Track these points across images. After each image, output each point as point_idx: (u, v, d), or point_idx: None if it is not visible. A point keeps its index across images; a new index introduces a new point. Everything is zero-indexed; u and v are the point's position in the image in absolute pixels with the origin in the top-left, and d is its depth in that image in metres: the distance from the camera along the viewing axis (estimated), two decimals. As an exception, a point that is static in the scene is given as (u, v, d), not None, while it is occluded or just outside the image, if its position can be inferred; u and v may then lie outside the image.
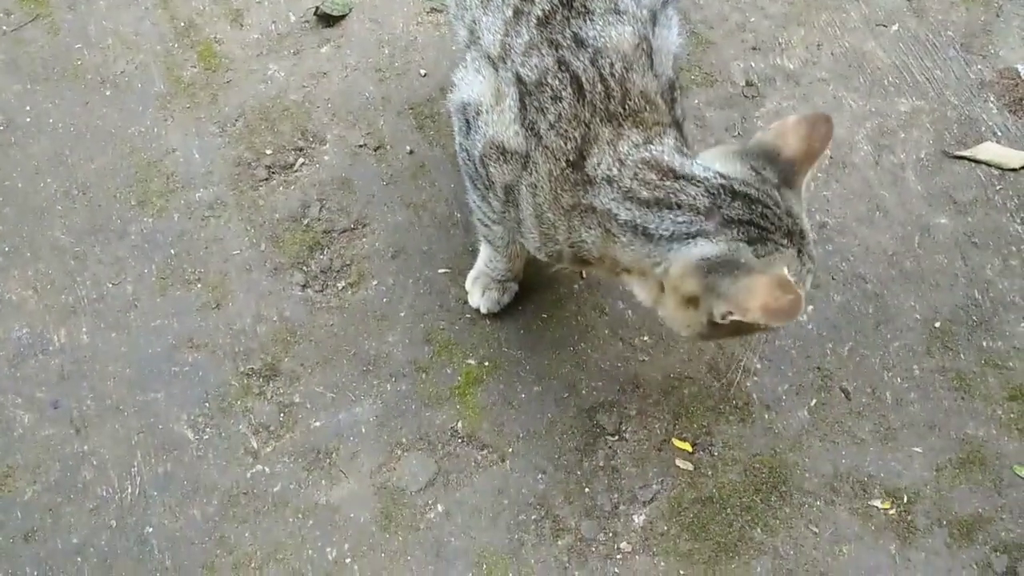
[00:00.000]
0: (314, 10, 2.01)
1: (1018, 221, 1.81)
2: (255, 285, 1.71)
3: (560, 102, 1.24)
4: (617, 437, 1.60)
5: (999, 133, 1.92)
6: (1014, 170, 1.87)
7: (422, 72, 1.96)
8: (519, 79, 1.27)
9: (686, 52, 1.62)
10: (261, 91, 1.92)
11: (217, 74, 1.94)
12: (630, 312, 1.70)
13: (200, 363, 1.63)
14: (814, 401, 1.64)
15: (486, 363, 1.65)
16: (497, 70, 1.31)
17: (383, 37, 2.01)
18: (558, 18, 1.27)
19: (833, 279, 1.75)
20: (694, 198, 1.18)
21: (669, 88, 1.32)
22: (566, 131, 1.24)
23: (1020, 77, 2.00)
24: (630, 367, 1.66)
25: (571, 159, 1.24)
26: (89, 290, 1.69)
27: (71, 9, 2.00)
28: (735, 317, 1.13)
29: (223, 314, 1.68)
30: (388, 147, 1.87)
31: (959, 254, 1.78)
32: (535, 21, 1.28)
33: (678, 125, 1.31)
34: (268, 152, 1.85)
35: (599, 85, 1.24)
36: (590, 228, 1.25)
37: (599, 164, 1.23)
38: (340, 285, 1.72)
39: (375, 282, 1.72)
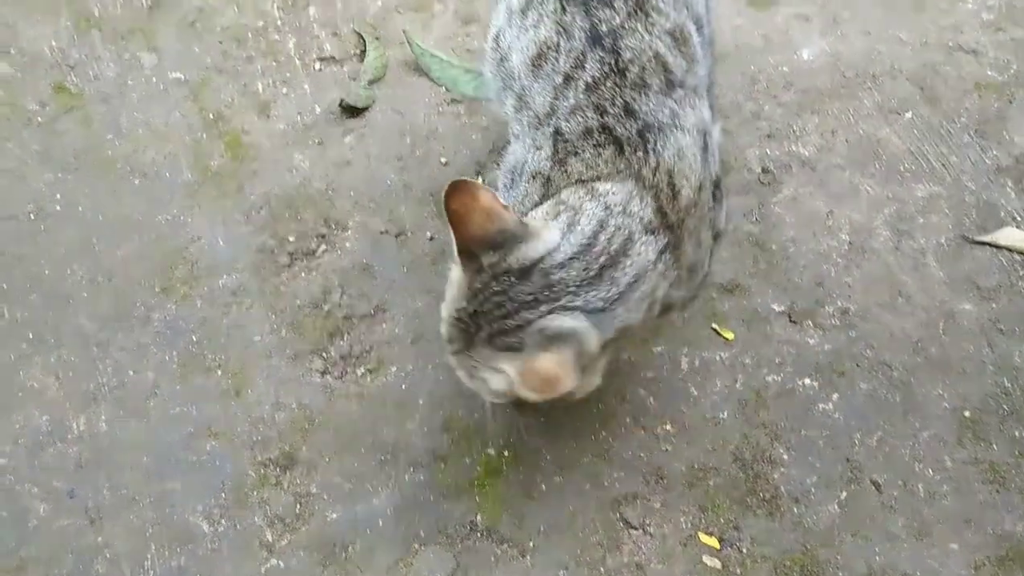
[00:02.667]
0: (339, 102, 2.06)
1: (1044, 307, 1.79)
2: (275, 372, 1.71)
3: (601, 151, 1.30)
4: (641, 531, 1.56)
5: (1019, 218, 1.92)
6: (1037, 256, 1.86)
7: (443, 160, 2.00)
8: (557, 131, 1.34)
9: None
10: (286, 180, 1.96)
11: (244, 164, 1.98)
12: (652, 400, 1.69)
13: (218, 452, 1.62)
14: (844, 494, 1.60)
15: (506, 453, 1.63)
16: (540, 127, 1.38)
17: (405, 127, 2.05)
18: (608, 85, 1.31)
19: (858, 366, 1.73)
20: (615, 280, 1.25)
21: (711, 186, 1.37)
22: (597, 166, 1.30)
23: (1037, 163, 2.01)
24: (654, 457, 1.63)
25: (584, 179, 1.30)
26: (110, 377, 1.70)
27: (104, 102, 2.06)
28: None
29: (242, 401, 1.67)
30: (409, 233, 1.89)
31: (985, 341, 1.76)
32: (583, 87, 1.32)
33: (672, 228, 1.33)
34: (291, 239, 1.88)
35: (640, 150, 1.29)
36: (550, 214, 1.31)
37: (612, 191, 1.28)
38: (360, 371, 1.71)
39: (394, 368, 1.72)
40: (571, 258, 1.23)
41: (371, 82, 2.11)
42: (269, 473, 1.60)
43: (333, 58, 2.16)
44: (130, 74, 2.11)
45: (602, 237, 1.25)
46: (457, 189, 1.18)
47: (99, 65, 2.12)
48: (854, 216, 1.92)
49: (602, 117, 1.31)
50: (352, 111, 2.07)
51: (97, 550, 1.52)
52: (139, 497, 1.57)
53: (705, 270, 1.42)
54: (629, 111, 1.31)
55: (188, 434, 1.64)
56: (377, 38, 2.19)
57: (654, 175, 1.30)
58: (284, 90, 2.10)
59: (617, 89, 1.31)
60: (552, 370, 1.16)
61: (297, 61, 2.15)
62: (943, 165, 2.01)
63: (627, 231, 1.26)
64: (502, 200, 1.51)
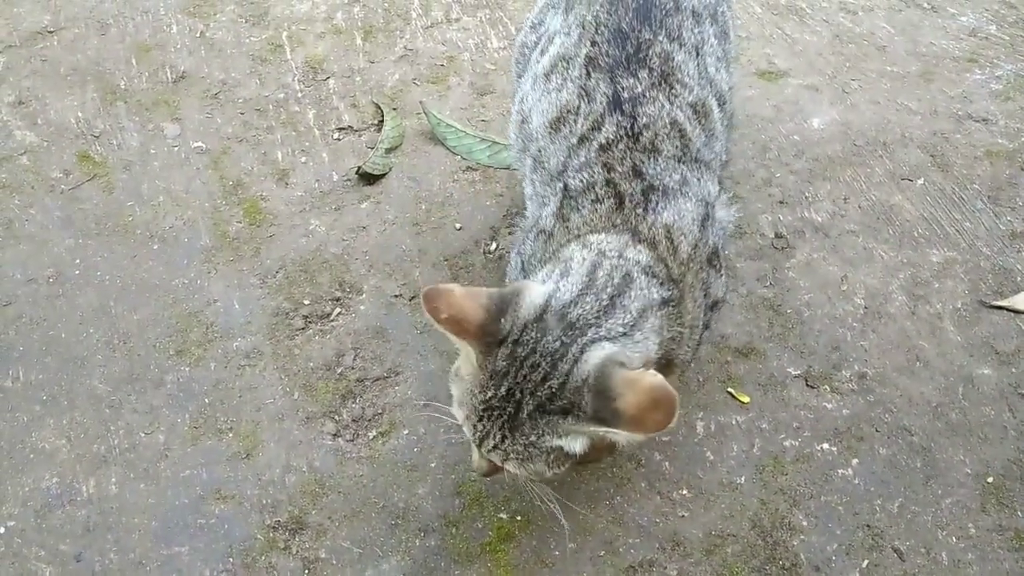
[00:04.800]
0: (356, 170, 2.11)
1: (1065, 372, 1.76)
2: (286, 434, 1.70)
3: (599, 204, 1.33)
4: (657, 599, 1.51)
5: (1035, 283, 1.91)
6: (1055, 320, 1.84)
7: (457, 226, 2.02)
8: (565, 187, 1.37)
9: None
10: (302, 244, 1.98)
11: (261, 229, 2.01)
12: (668, 464, 1.66)
13: (226, 515, 1.60)
14: (866, 562, 1.55)
15: (518, 517, 1.59)
16: (550, 184, 1.41)
17: (420, 194, 2.08)
18: (620, 147, 1.34)
19: (877, 431, 1.69)
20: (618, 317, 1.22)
21: (708, 251, 1.37)
22: (593, 221, 1.32)
23: (1051, 228, 2.01)
24: (669, 523, 1.59)
25: (581, 233, 1.32)
26: (122, 439, 1.69)
27: (126, 170, 2.11)
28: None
29: (253, 464, 1.66)
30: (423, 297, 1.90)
31: (1006, 406, 1.72)
32: (596, 147, 1.36)
33: (675, 281, 1.32)
34: (306, 302, 1.89)
35: (640, 207, 1.31)
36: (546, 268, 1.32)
37: (605, 241, 1.29)
38: (371, 434, 1.70)
39: (406, 431, 1.70)
40: (579, 295, 1.22)
41: (388, 151, 2.16)
42: (278, 537, 1.57)
43: (351, 128, 2.22)
44: (153, 143, 2.16)
45: (600, 273, 1.25)
46: (429, 298, 1.17)
47: (123, 135, 2.18)
48: (869, 281, 1.92)
49: (608, 173, 1.33)
50: (369, 178, 2.11)
51: (101, 616, 1.49)
52: (146, 561, 1.55)
53: (701, 330, 1.41)
54: (636, 172, 1.33)
55: (197, 497, 1.62)
56: (394, 109, 2.25)
57: (650, 230, 1.31)
58: (303, 159, 2.15)
59: (628, 151, 1.34)
60: (661, 386, 1.07)
61: (316, 131, 2.21)
62: (957, 231, 2.01)
63: (624, 270, 1.26)
64: (513, 257, 1.53)
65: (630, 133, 1.34)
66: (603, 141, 1.35)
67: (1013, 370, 1.77)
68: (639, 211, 1.31)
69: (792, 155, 2.16)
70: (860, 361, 1.79)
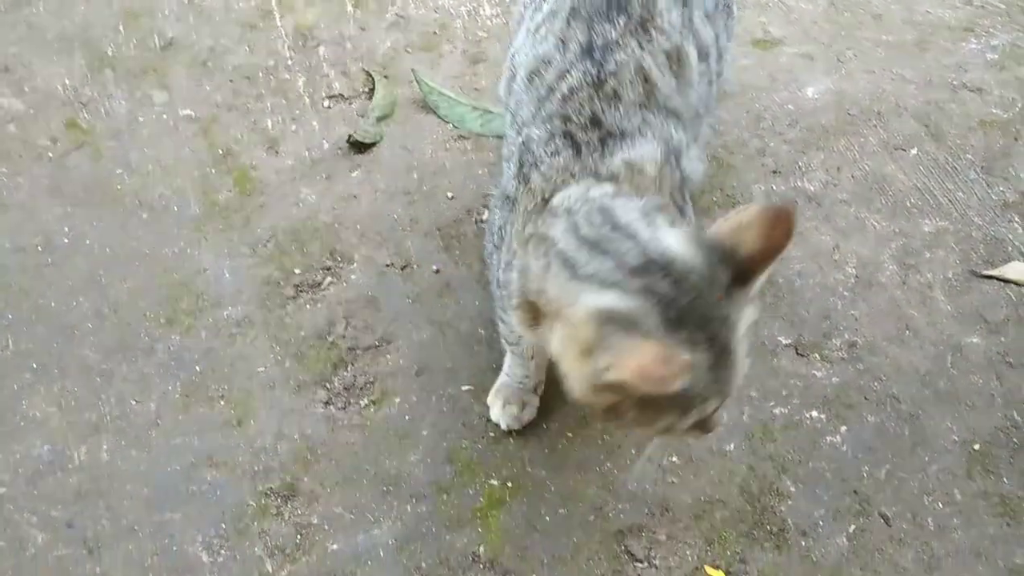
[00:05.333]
0: (347, 138, 2.09)
1: (1053, 340, 1.77)
2: (278, 403, 1.70)
3: (557, 156, 1.28)
4: (647, 564, 1.53)
5: (1026, 252, 1.91)
6: (1044, 289, 1.85)
7: (449, 195, 2.01)
8: (525, 141, 1.34)
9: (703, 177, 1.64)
10: (292, 213, 1.97)
11: (251, 198, 2.00)
12: (657, 432, 1.67)
13: (219, 482, 1.60)
14: (852, 527, 1.56)
15: (509, 484, 1.61)
16: (517, 139, 1.38)
17: (412, 163, 2.07)
18: (582, 95, 1.30)
19: (866, 399, 1.71)
20: (624, 252, 1.12)
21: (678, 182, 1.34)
22: (551, 176, 1.27)
23: (1043, 198, 2.01)
24: (658, 489, 1.60)
25: (546, 196, 1.26)
26: (113, 407, 1.69)
27: (114, 138, 2.09)
28: (609, 376, 1.03)
29: (244, 432, 1.66)
30: (415, 266, 1.90)
31: (994, 374, 1.73)
32: (559, 97, 1.33)
33: (677, 207, 1.30)
34: (297, 271, 1.88)
35: (597, 152, 1.27)
36: (538, 257, 1.21)
37: (567, 197, 1.23)
38: (363, 403, 1.71)
39: (398, 400, 1.71)
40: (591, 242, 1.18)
41: (379, 119, 2.14)
42: (270, 503, 1.58)
43: (342, 96, 2.20)
44: (141, 111, 2.14)
45: (582, 223, 1.19)
46: None
47: (111, 102, 2.16)
48: (861, 250, 1.92)
49: (566, 125, 1.30)
50: (360, 147, 2.09)
51: (94, 581, 1.50)
52: (138, 527, 1.56)
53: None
54: (595, 121, 1.29)
55: (189, 464, 1.62)
56: (386, 77, 2.23)
57: (608, 169, 1.26)
58: (293, 127, 2.13)
59: (589, 100, 1.30)
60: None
61: (306, 99, 2.19)
62: (949, 201, 2.01)
63: (598, 204, 1.21)
64: (487, 232, 1.50)
65: (595, 81, 1.31)
66: (566, 91, 1.32)
67: (1002, 339, 1.78)
68: (595, 156, 1.27)
69: (786, 124, 2.15)
70: (850, 330, 1.80)
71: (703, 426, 1.19)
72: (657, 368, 0.99)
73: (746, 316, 1.13)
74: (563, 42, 1.36)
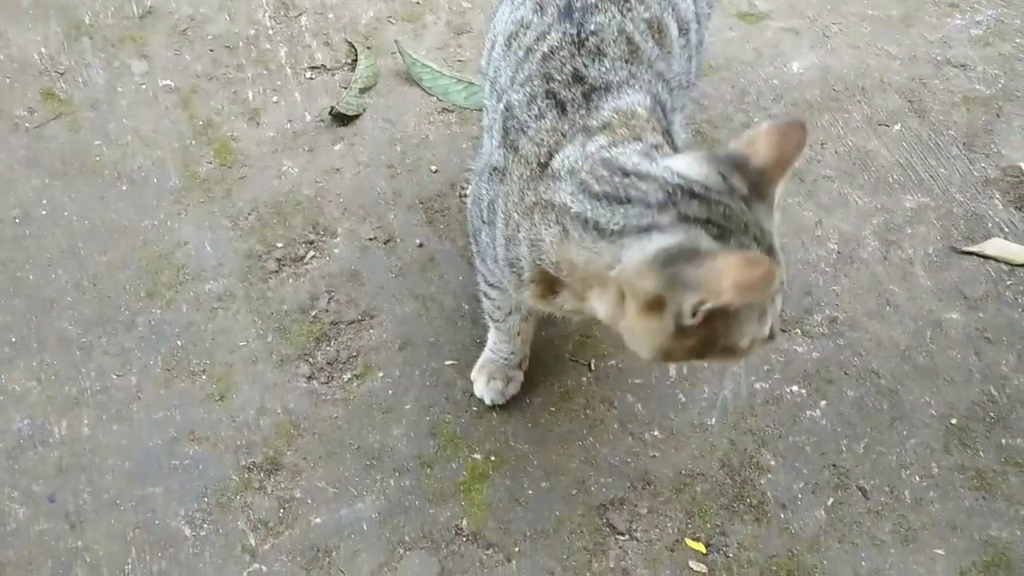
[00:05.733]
0: (329, 110, 2.07)
1: (1031, 316, 1.79)
2: (260, 377, 1.69)
3: (542, 119, 1.24)
4: (628, 537, 1.54)
5: (1006, 229, 1.92)
6: (1022, 265, 1.86)
7: (433, 168, 2.00)
8: (507, 106, 1.29)
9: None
10: (274, 186, 1.96)
11: (232, 170, 1.98)
12: (640, 406, 1.68)
13: (201, 456, 1.60)
14: (831, 500, 1.59)
15: (492, 458, 1.61)
16: (498, 105, 1.34)
17: (395, 135, 2.05)
18: (563, 54, 1.27)
19: (846, 374, 1.72)
20: (645, 193, 1.11)
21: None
22: (542, 139, 1.23)
23: (1023, 174, 2.02)
24: (640, 463, 1.62)
25: (542, 161, 1.21)
26: (93, 381, 1.68)
27: (93, 108, 2.06)
28: (708, 306, 1.02)
29: (226, 406, 1.66)
30: (398, 240, 1.89)
31: (972, 349, 1.75)
32: (539, 57, 1.29)
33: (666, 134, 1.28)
34: (279, 245, 1.87)
35: (583, 108, 1.24)
36: (549, 224, 1.17)
37: (567, 158, 1.19)
38: (346, 377, 1.70)
39: (381, 374, 1.71)
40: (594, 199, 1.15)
41: (362, 91, 2.12)
42: (253, 477, 1.58)
43: (324, 67, 2.17)
44: (120, 81, 2.11)
45: (591, 181, 1.16)
46: None
47: (88, 72, 2.12)
48: (843, 226, 1.93)
49: (548, 84, 1.26)
50: (342, 119, 2.07)
51: (77, 554, 1.50)
52: (120, 501, 1.55)
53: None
54: (577, 77, 1.26)
55: (171, 438, 1.62)
56: (369, 48, 2.20)
57: (600, 120, 1.23)
58: (274, 98, 2.11)
59: (570, 57, 1.27)
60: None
61: (288, 70, 2.16)
62: (931, 177, 2.02)
63: (600, 158, 1.17)
64: (470, 208, 1.44)
65: (575, 40, 1.28)
66: (546, 50, 1.29)
67: (980, 315, 1.80)
68: (582, 112, 1.23)
69: (771, 99, 2.14)
70: (831, 305, 1.81)
71: (772, 337, 1.17)
72: (752, 273, 0.99)
73: (775, 222, 1.14)
74: (541, 6, 1.34)
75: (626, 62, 1.29)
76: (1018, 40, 2.27)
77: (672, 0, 1.40)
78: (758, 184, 1.12)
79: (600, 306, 1.16)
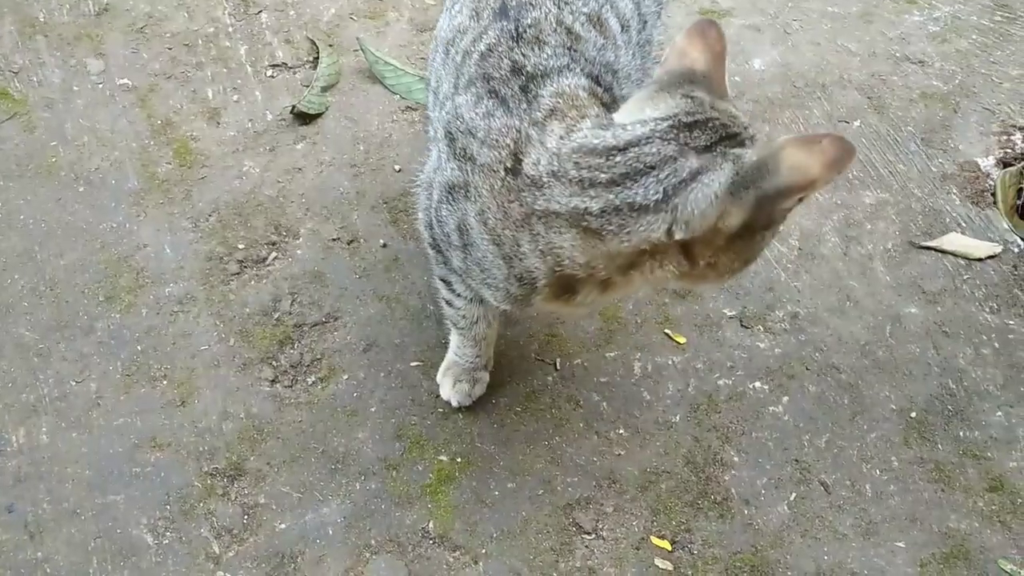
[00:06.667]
0: (291, 108, 2.05)
1: (987, 310, 1.83)
2: (222, 381, 1.67)
3: (491, 118, 1.21)
4: (594, 536, 1.55)
5: (963, 224, 1.96)
6: (980, 260, 1.90)
7: (396, 167, 1.99)
8: (456, 112, 1.26)
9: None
10: (236, 187, 1.93)
11: (192, 170, 1.95)
12: (605, 404, 1.68)
13: (162, 463, 1.58)
14: (793, 495, 1.60)
15: (458, 459, 1.61)
16: (440, 112, 1.32)
17: (358, 134, 2.04)
18: (500, 50, 1.26)
19: (807, 369, 1.74)
20: (658, 153, 1.09)
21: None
22: (497, 141, 1.19)
23: (980, 170, 2.05)
24: (606, 462, 1.62)
25: (508, 166, 1.17)
26: (51, 388, 1.65)
27: (48, 108, 2.02)
28: (804, 195, 1.07)
29: (188, 411, 1.64)
30: (361, 241, 1.87)
31: (931, 344, 1.78)
32: (477, 57, 1.28)
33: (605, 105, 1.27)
34: (240, 247, 1.85)
35: (522, 101, 1.21)
36: (560, 231, 1.14)
37: (537, 162, 1.15)
38: (310, 380, 1.69)
39: (346, 376, 1.70)
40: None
41: (324, 89, 2.10)
42: (216, 484, 1.57)
43: (285, 65, 2.15)
44: (76, 80, 2.07)
45: (586, 175, 1.14)
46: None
47: (44, 71, 2.08)
48: (804, 222, 1.95)
49: (489, 83, 1.24)
50: (304, 118, 2.05)
51: (37, 565, 1.48)
52: (81, 511, 1.53)
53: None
54: (515, 69, 1.24)
55: (132, 445, 1.60)
56: (331, 45, 2.18)
57: (543, 108, 1.20)
58: (235, 97, 2.08)
59: (509, 51, 1.25)
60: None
61: (248, 68, 2.13)
62: (891, 173, 2.04)
63: (568, 149, 1.15)
64: (422, 229, 1.42)
65: (513, 34, 1.26)
66: (483, 49, 1.27)
67: (938, 309, 1.83)
68: (523, 106, 1.21)
69: (732, 96, 2.15)
70: (793, 301, 1.83)
71: None
72: (829, 147, 1.04)
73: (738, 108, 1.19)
74: (476, 12, 1.33)
75: (568, 48, 1.27)
76: (974, 36, 2.31)
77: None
78: (711, 85, 1.15)
79: (660, 272, 1.15)
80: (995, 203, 2.00)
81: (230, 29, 2.20)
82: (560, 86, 1.22)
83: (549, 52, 1.25)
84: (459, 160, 1.24)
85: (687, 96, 1.13)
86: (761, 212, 1.07)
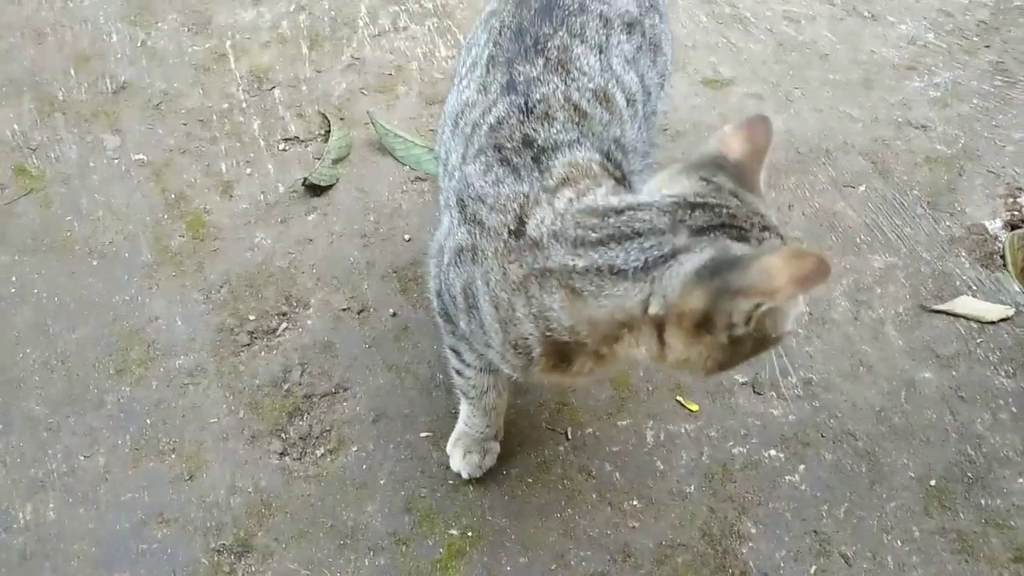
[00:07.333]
0: (302, 181, 2.08)
1: (1002, 374, 1.80)
2: (231, 454, 1.66)
3: (500, 185, 1.23)
4: (608, 612, 1.51)
5: (973, 287, 1.95)
6: (992, 323, 1.88)
7: (406, 237, 2.00)
8: (465, 180, 1.28)
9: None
10: (247, 258, 1.95)
11: (204, 243, 1.97)
12: (618, 475, 1.66)
13: (169, 539, 1.56)
14: (814, 568, 1.56)
15: (469, 533, 1.58)
16: (451, 181, 1.34)
17: (369, 205, 2.06)
18: (511, 122, 1.28)
19: (823, 436, 1.72)
20: (650, 221, 1.10)
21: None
22: (505, 206, 1.21)
23: (988, 233, 2.05)
24: (620, 534, 1.59)
25: (512, 228, 1.19)
26: (60, 463, 1.64)
27: (65, 184, 2.06)
28: (765, 307, 1.03)
29: (196, 486, 1.62)
30: (371, 310, 1.88)
31: (947, 409, 1.76)
32: (487, 128, 1.30)
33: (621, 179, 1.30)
34: (251, 318, 1.85)
35: (534, 170, 1.23)
36: (551, 291, 1.14)
37: (541, 222, 1.17)
38: (319, 452, 1.68)
39: (355, 448, 1.68)
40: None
41: (335, 161, 2.13)
42: (223, 561, 1.54)
43: (297, 138, 2.19)
44: (92, 156, 2.11)
45: (583, 233, 1.16)
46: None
47: (61, 147, 2.13)
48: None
49: (500, 153, 1.27)
50: (316, 190, 2.08)
51: (39, 647, 1.45)
52: (86, 589, 1.51)
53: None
54: (527, 141, 1.26)
55: (139, 521, 1.58)
56: (342, 119, 2.22)
57: (555, 176, 1.23)
58: (248, 170, 2.11)
59: (520, 124, 1.28)
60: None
61: (261, 142, 2.17)
62: (898, 236, 2.05)
63: (576, 210, 1.17)
64: (433, 299, 1.42)
65: (523, 108, 1.29)
66: (493, 121, 1.30)
67: (953, 373, 1.81)
68: (535, 174, 1.23)
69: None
70: (805, 367, 1.81)
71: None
72: (805, 264, 1.00)
73: (767, 204, 1.16)
74: (484, 87, 1.36)
75: (576, 124, 1.30)
76: (975, 101, 2.34)
77: (615, 73, 1.42)
78: (741, 176, 1.13)
79: (637, 350, 1.14)
80: (1004, 265, 1.99)
81: (244, 105, 2.25)
82: (574, 157, 1.25)
83: (559, 127, 1.28)
84: (468, 224, 1.26)
85: (705, 179, 1.13)
86: (720, 305, 1.05)
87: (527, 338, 1.19)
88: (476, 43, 1.46)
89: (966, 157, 2.21)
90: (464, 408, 1.61)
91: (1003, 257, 2.01)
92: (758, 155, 1.16)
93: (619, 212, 1.14)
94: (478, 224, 1.24)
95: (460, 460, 1.61)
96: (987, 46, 2.49)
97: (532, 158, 1.25)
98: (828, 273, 1.01)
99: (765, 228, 1.11)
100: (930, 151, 2.22)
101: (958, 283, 1.96)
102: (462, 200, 1.28)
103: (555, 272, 1.14)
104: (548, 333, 1.17)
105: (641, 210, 1.12)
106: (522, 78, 1.33)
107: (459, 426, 1.63)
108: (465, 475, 1.62)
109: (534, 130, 1.27)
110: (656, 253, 1.08)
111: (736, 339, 1.08)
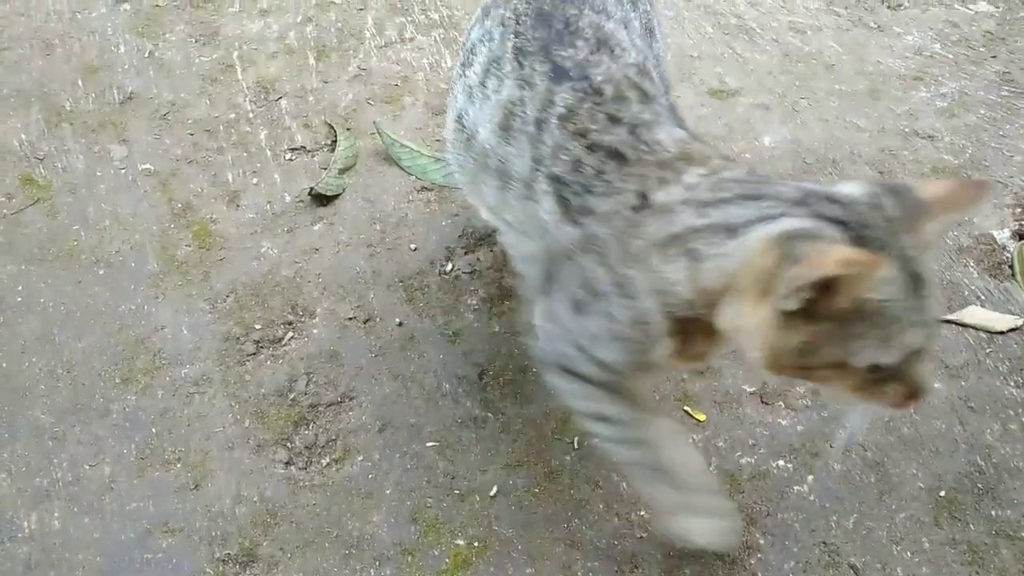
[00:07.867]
0: (309, 191, 2.08)
1: (1012, 384, 1.79)
2: (236, 464, 1.66)
3: (604, 173, 1.19)
4: (616, 623, 1.50)
5: (982, 297, 1.94)
6: (1001, 333, 1.87)
7: (412, 247, 2.00)
8: (552, 179, 1.24)
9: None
10: (253, 268, 1.95)
11: (211, 252, 1.97)
12: (625, 484, 1.65)
13: (174, 549, 1.55)
14: (822, 579, 1.55)
15: (475, 543, 1.57)
16: (530, 190, 1.27)
17: (375, 215, 2.06)
18: (586, 107, 1.24)
19: (831, 447, 1.71)
20: (780, 192, 1.08)
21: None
22: (620, 187, 1.18)
23: (996, 243, 2.04)
24: (628, 545, 1.58)
25: (635, 204, 1.16)
26: (65, 472, 1.64)
27: (71, 193, 2.06)
28: (806, 277, 0.97)
29: (201, 495, 1.61)
30: (377, 319, 1.88)
31: (957, 419, 1.75)
32: (555, 122, 1.25)
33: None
34: (257, 327, 1.85)
35: (643, 146, 1.20)
36: (673, 260, 1.12)
37: (670, 194, 1.14)
38: (324, 461, 1.67)
39: (360, 457, 1.67)
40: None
41: (342, 171, 2.13)
42: (228, 570, 1.53)
43: (304, 148, 2.19)
44: (99, 166, 2.12)
45: (717, 191, 1.14)
46: None
47: (68, 157, 2.13)
48: (821, 296, 1.93)
49: (586, 138, 1.22)
50: (322, 199, 2.08)
51: (42, 658, 1.44)
52: (90, 599, 1.50)
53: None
54: (614, 119, 1.22)
55: (144, 531, 1.57)
56: (348, 129, 2.23)
57: (667, 150, 1.19)
58: (254, 180, 2.12)
59: (596, 107, 1.24)
60: None
61: (268, 152, 2.18)
62: (905, 246, 2.04)
63: (714, 180, 1.14)
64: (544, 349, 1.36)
65: (591, 91, 1.25)
66: (561, 111, 1.25)
67: (962, 383, 1.80)
68: (641, 147, 1.19)
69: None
70: (814, 377, 1.80)
71: (912, 384, 1.10)
72: (860, 256, 0.97)
73: (927, 253, 1.08)
74: (526, 81, 1.30)
75: (646, 103, 1.27)
76: (983, 111, 2.33)
77: (640, 48, 1.40)
78: (913, 214, 1.07)
79: (726, 315, 1.10)
80: (1013, 275, 1.98)
81: (251, 115, 2.25)
82: (673, 135, 1.23)
83: (635, 109, 1.25)
84: (573, 224, 1.22)
85: (872, 194, 1.09)
86: (781, 268, 1.02)
87: (648, 321, 1.17)
88: (486, 39, 1.40)
89: (973, 167, 2.21)
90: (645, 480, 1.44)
91: (1012, 267, 2.00)
92: (947, 205, 1.09)
93: (757, 181, 1.13)
94: (590, 213, 1.20)
95: (696, 529, 1.46)
96: (994, 56, 2.49)
97: (629, 132, 1.22)
98: (873, 272, 0.98)
99: (902, 259, 1.04)
100: (937, 161, 2.22)
101: (966, 293, 1.95)
102: (563, 198, 1.23)
103: (679, 236, 1.12)
104: (668, 308, 1.15)
105: (781, 184, 1.11)
106: (569, 63, 1.29)
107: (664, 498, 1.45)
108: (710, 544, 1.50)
109: (617, 109, 1.24)
110: (766, 213, 1.06)
111: (789, 323, 1.03)
